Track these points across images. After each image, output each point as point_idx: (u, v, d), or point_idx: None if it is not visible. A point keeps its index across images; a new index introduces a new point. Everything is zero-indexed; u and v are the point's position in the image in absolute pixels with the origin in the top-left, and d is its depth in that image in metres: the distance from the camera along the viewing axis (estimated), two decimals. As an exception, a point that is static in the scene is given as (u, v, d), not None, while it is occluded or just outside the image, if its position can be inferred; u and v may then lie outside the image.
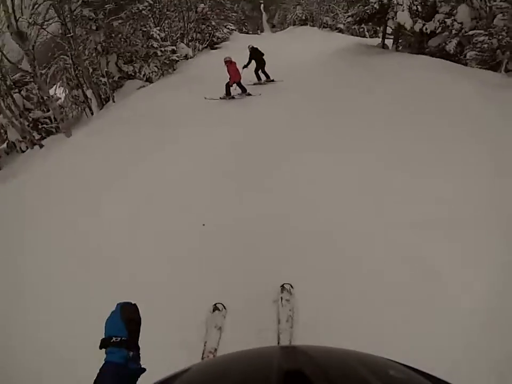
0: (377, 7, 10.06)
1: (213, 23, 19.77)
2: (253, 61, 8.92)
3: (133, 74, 12.74)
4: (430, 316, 2.29)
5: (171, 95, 9.16)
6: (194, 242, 3.37)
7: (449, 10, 9.03)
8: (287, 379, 0.33)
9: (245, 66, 8.74)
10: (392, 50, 12.08)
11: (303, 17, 25.98)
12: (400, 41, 11.82)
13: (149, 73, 12.31)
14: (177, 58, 13.32)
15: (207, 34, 19.70)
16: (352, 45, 12.71)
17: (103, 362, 0.80)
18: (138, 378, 0.80)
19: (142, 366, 0.84)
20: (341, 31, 21.62)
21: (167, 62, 12.73)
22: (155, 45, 12.25)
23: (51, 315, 2.87)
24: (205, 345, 2.32)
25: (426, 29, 9.58)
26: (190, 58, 15.30)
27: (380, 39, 12.55)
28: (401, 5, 9.36)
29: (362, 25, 15.76)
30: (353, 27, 18.94)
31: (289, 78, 8.95)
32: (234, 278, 2.82)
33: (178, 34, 17.78)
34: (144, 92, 11.00)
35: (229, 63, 8.06)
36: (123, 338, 0.82)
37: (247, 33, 40.36)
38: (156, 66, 12.43)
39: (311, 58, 11.04)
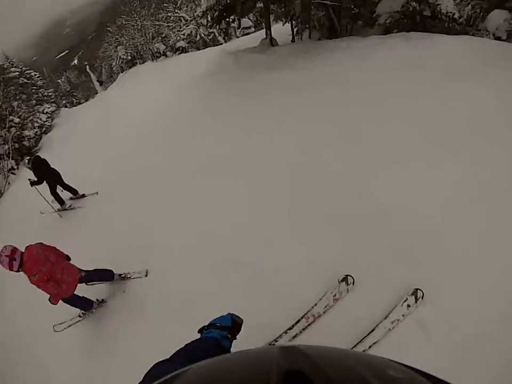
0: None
1: (15, 121, 12.66)
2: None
3: None
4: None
5: None
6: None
7: None
8: (286, 379, 0.32)
9: (35, 183, 6.00)
10: (304, 41, 8.10)
11: (129, 57, 20.14)
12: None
13: None
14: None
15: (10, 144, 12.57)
16: (221, 61, 9.38)
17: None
18: None
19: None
20: (183, 51, 16.50)
21: None
22: None
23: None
24: (312, 307, 2.62)
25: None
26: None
27: (264, 36, 9.54)
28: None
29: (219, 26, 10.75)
30: (206, 33, 14.16)
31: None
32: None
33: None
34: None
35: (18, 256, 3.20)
36: (227, 325, 1.02)
37: (80, 103, 33.61)
38: None
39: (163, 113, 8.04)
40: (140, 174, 5.87)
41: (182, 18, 18.54)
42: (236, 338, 1.04)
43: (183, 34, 17.75)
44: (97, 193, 6.40)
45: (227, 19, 10.96)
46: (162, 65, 16.16)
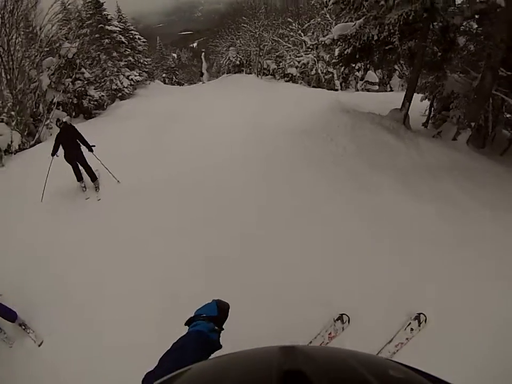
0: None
1: (85, 75, 11.88)
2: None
3: None
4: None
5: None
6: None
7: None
8: (286, 379, 0.32)
9: (53, 153, 5.60)
10: (460, 147, 6.12)
11: (237, 62, 19.15)
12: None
13: None
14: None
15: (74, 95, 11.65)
16: (333, 118, 7.14)
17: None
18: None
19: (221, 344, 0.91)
20: (291, 79, 14.77)
21: None
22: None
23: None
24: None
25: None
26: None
27: (396, 106, 7.25)
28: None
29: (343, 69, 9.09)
30: (325, 71, 12.22)
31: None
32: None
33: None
34: None
35: None
36: (212, 315, 0.95)
37: (179, 83, 34.18)
38: None
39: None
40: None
41: (304, 43, 16.90)
42: (223, 329, 0.96)
43: (298, 62, 16.03)
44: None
45: (357, 63, 8.94)
46: (264, 86, 14.71)
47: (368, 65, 9.24)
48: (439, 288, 3.13)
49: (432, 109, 8.37)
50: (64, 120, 5.83)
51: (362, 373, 0.33)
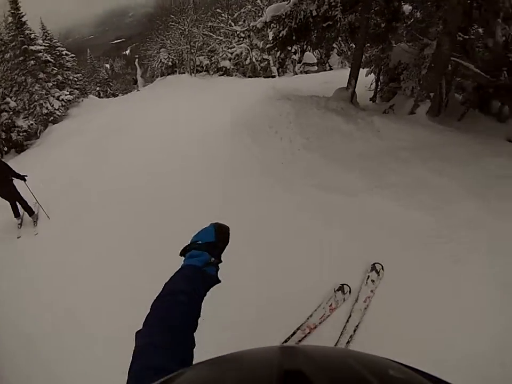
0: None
1: (11, 105, 10.29)
2: None
3: None
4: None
5: None
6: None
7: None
8: (286, 379, 0.32)
9: None
10: (418, 117, 5.31)
11: (170, 63, 17.68)
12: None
13: None
14: None
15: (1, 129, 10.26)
16: (271, 109, 6.12)
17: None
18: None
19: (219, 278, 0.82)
20: (226, 72, 13.66)
21: None
22: None
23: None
24: (308, 318, 2.56)
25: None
26: None
27: (341, 85, 7.12)
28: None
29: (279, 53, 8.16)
30: (260, 59, 11.26)
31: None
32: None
33: None
34: None
35: None
36: (209, 241, 0.81)
37: (114, 95, 32.09)
38: None
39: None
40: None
41: (235, 33, 15.65)
42: (221, 261, 0.83)
43: (231, 53, 14.85)
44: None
45: (294, 46, 8.15)
46: (197, 84, 13.50)
47: (305, 46, 8.47)
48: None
49: (379, 82, 7.72)
50: None
51: (363, 373, 0.33)
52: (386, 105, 6.70)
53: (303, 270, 2.87)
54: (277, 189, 4.17)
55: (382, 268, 2.69)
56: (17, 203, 5.48)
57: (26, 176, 5.46)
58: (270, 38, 7.63)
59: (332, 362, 0.37)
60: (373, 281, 2.62)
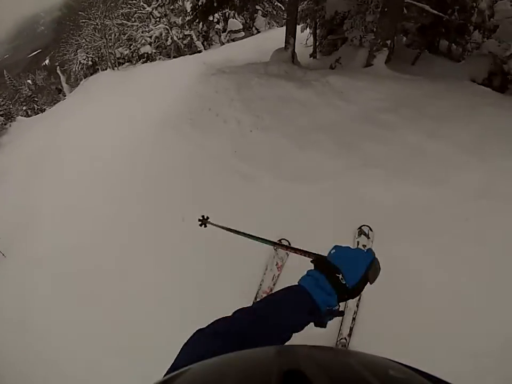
0: None
1: None
2: None
3: None
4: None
5: None
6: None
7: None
8: (286, 379, 0.32)
9: None
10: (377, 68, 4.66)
11: (90, 63, 15.82)
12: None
13: None
14: None
15: None
16: (204, 88, 5.15)
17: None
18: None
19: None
20: (148, 58, 12.35)
21: None
22: None
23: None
24: (261, 284, 2.46)
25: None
26: None
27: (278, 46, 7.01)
28: None
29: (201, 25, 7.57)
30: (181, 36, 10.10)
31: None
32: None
33: None
34: None
35: None
36: (351, 283, 0.64)
37: (42, 110, 28.96)
38: None
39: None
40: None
41: (151, 15, 14.08)
42: (343, 314, 0.68)
43: (150, 37, 13.35)
44: None
45: (216, 13, 7.24)
46: (119, 78, 12.04)
47: (228, 13, 7.51)
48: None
49: (317, 36, 7.02)
50: None
51: (363, 373, 0.32)
52: (331, 59, 6.04)
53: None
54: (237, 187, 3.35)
55: (370, 229, 2.43)
56: None
57: None
58: (189, 9, 6.63)
59: (332, 362, 0.36)
60: (364, 246, 2.42)
